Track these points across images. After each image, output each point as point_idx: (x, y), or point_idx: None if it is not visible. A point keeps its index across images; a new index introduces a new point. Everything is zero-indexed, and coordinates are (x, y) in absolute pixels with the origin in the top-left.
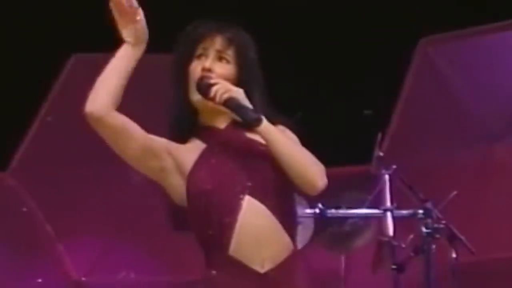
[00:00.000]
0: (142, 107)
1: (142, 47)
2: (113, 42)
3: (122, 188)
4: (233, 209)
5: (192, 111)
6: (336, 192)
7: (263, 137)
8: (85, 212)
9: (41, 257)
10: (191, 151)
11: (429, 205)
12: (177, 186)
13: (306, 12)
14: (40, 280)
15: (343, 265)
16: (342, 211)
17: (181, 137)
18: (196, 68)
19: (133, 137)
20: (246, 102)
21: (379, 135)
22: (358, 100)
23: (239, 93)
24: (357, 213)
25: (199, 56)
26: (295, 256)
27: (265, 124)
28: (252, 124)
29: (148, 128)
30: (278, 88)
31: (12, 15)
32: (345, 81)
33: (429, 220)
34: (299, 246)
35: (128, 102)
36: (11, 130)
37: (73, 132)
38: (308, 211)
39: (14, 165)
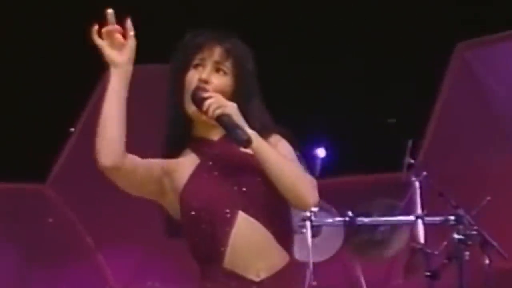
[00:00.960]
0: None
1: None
2: (143, 55)
3: None
4: (226, 224)
5: (187, 121)
6: (367, 200)
7: (254, 153)
8: (123, 222)
9: (81, 266)
10: (184, 166)
11: (460, 211)
12: (172, 202)
13: (338, 16)
14: None
15: (360, 273)
16: (373, 219)
17: (175, 148)
18: (192, 78)
19: (138, 171)
20: (239, 119)
21: (410, 142)
22: (392, 107)
23: (232, 109)
24: (388, 220)
25: (196, 66)
26: (291, 266)
27: (255, 142)
28: (241, 145)
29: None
30: (308, 95)
31: (52, 34)
32: (379, 87)
33: (461, 227)
34: (329, 254)
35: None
36: (50, 142)
37: None
38: (338, 219)
39: (53, 177)
